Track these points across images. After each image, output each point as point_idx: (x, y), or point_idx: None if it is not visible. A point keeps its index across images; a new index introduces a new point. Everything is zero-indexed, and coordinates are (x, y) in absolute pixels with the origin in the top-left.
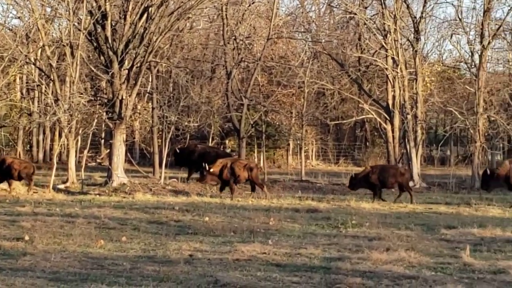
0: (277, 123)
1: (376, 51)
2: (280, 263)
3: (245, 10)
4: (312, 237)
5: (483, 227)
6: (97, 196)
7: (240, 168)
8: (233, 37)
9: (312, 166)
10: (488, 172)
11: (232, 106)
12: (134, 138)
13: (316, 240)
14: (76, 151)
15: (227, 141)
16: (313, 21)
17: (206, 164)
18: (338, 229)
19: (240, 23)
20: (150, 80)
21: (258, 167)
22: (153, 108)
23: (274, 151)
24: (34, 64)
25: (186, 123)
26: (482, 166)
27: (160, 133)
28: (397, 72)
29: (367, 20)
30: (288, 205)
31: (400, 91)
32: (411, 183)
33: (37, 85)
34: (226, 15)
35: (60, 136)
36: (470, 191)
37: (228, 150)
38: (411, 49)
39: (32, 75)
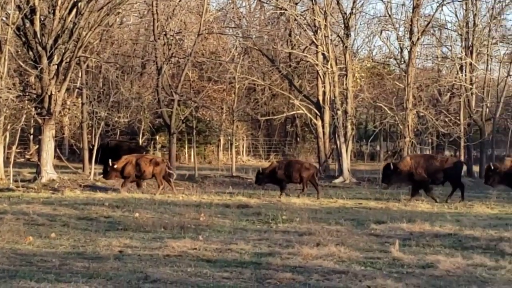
0: (208, 119)
1: (307, 47)
2: (210, 259)
3: (176, 6)
4: (242, 232)
5: (412, 222)
6: (26, 192)
7: (146, 163)
8: (164, 33)
9: (243, 161)
10: (391, 166)
11: (163, 102)
12: (63, 133)
13: (247, 235)
14: (4, 147)
15: (157, 137)
16: (243, 16)
17: (110, 160)
18: (269, 224)
19: (170, 18)
20: (80, 76)
21: (164, 162)
22: (82, 104)
23: (204, 147)
24: None
25: (116, 119)
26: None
27: (90, 128)
28: (328, 68)
29: (297, 16)
30: (218, 201)
31: (330, 87)
32: (340, 179)
33: None
34: (156, 10)
35: None
36: (400, 186)
37: (158, 146)
38: (341, 45)
39: None
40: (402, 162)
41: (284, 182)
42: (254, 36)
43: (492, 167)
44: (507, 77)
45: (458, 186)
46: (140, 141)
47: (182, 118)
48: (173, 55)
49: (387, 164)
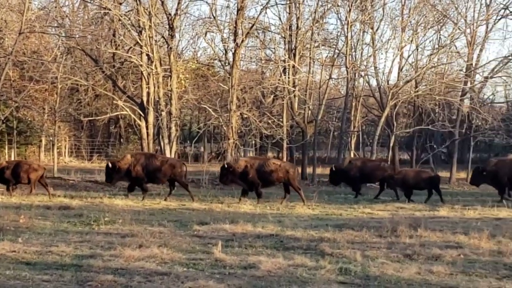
0: (29, 119)
1: (131, 47)
2: (30, 261)
3: None
4: (63, 234)
5: (235, 223)
6: None
7: None
8: None
9: (65, 162)
10: (110, 165)
11: None
12: None
13: (68, 237)
14: None
15: None
16: (66, 16)
17: None
18: (91, 226)
19: None
20: None
21: None
22: None
23: (26, 148)
24: None
25: None
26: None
27: None
28: (152, 69)
29: (121, 16)
30: (39, 202)
31: (154, 87)
32: None
33: None
34: None
35: None
36: (223, 187)
37: None
38: (166, 46)
39: None
40: (122, 160)
41: (12, 182)
42: (77, 36)
43: (226, 166)
44: (328, 80)
45: (181, 185)
46: None
47: (2, 118)
48: None
49: (107, 165)
